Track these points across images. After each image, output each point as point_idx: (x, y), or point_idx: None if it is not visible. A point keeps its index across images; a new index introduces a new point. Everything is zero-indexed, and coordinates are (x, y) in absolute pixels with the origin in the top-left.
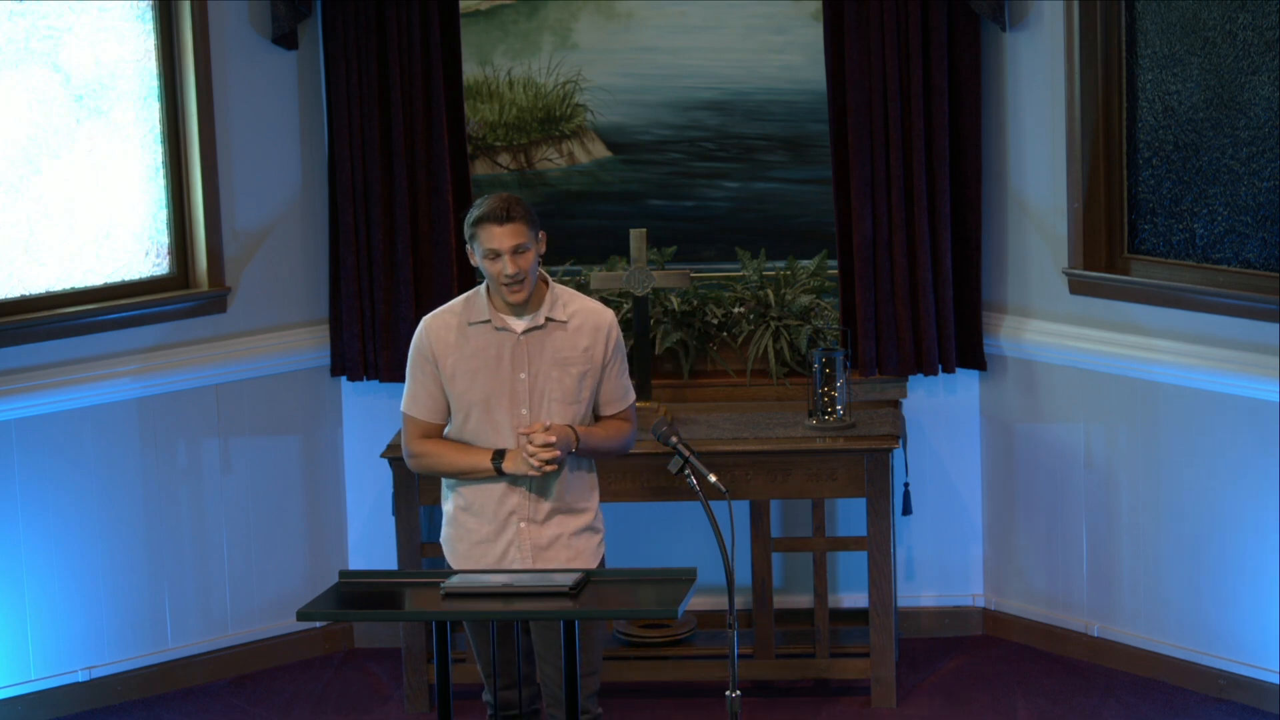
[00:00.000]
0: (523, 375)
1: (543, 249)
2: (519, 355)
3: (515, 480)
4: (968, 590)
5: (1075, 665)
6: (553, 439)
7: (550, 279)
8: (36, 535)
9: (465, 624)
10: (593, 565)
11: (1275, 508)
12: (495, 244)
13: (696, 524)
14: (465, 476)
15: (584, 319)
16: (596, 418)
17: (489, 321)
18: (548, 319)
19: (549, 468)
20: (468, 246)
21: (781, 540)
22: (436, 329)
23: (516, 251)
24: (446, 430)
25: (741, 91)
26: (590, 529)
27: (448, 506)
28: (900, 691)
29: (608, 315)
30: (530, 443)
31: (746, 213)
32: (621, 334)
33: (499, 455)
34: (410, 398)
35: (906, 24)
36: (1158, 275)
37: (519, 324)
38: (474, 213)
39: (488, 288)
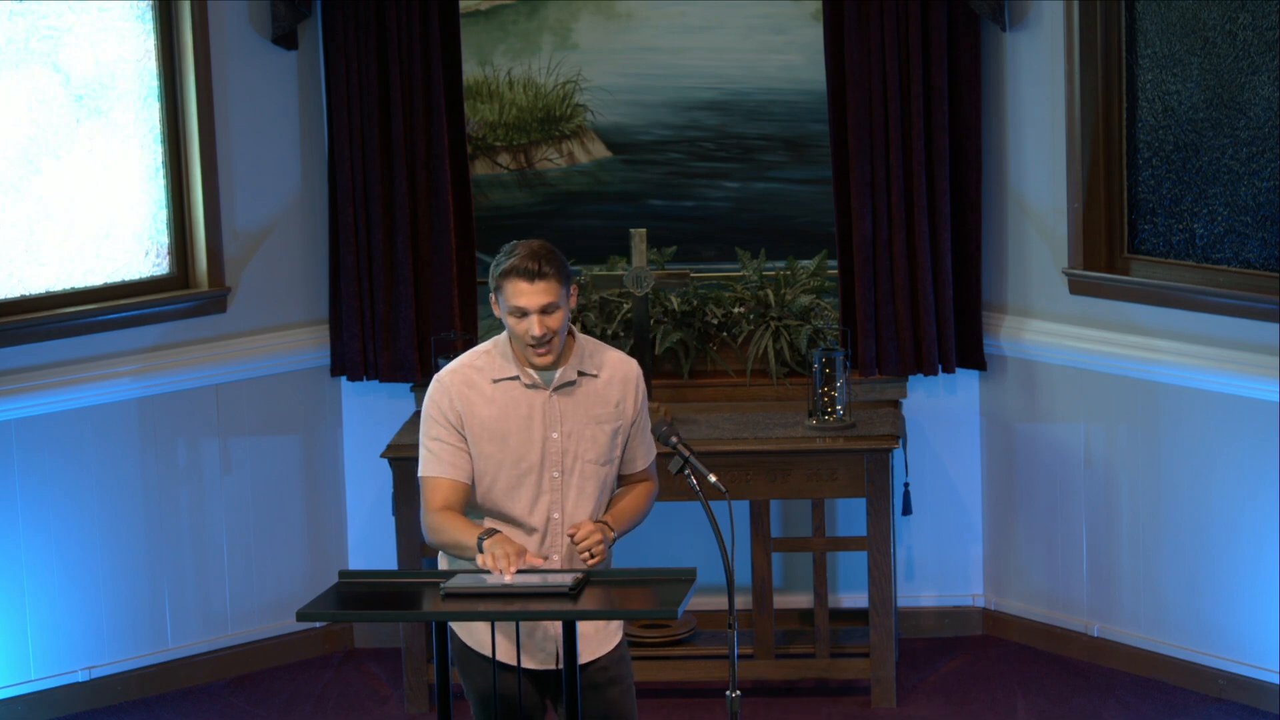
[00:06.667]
0: (555, 435)
1: (574, 302)
2: (551, 413)
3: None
4: (968, 590)
5: (1075, 665)
6: (600, 555)
7: (574, 329)
8: (36, 535)
9: (474, 706)
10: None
11: (1275, 508)
12: (523, 302)
13: (696, 524)
14: (458, 554)
15: (614, 371)
16: (620, 477)
17: (517, 378)
18: (579, 373)
19: (593, 562)
20: (491, 295)
21: (781, 540)
22: (458, 386)
23: (546, 311)
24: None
25: (741, 91)
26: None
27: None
28: (900, 691)
29: (634, 366)
30: (577, 547)
31: (746, 213)
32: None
33: (487, 534)
34: (431, 458)
35: (906, 24)
36: (1158, 275)
37: (550, 379)
38: (501, 262)
39: (510, 338)
